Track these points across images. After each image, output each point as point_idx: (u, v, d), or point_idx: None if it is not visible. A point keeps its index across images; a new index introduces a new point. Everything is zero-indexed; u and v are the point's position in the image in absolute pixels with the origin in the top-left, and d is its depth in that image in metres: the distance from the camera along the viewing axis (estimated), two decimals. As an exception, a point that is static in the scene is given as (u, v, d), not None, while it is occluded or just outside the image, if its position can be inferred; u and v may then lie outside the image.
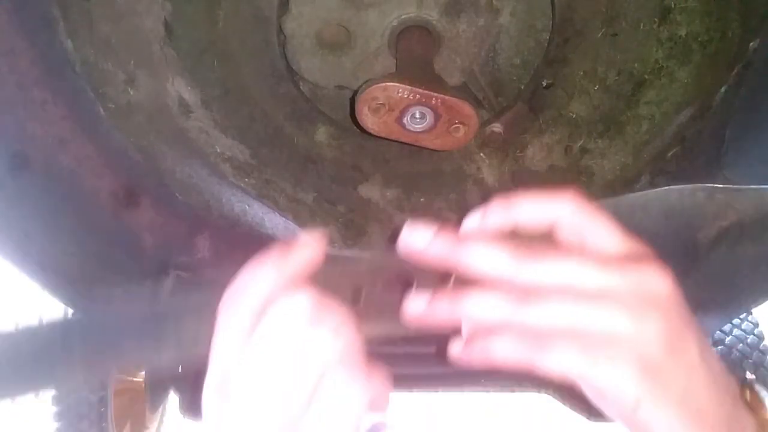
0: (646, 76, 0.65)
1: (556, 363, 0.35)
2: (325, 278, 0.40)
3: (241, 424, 0.37)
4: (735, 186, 0.47)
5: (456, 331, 0.40)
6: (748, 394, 0.40)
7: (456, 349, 0.40)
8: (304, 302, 0.37)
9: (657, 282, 0.37)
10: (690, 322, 0.37)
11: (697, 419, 0.36)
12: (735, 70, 0.63)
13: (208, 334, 0.40)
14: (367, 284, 0.41)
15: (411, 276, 0.41)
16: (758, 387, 0.40)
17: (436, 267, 0.39)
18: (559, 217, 0.39)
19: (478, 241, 0.38)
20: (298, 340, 0.37)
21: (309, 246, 0.40)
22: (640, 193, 0.43)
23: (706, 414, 0.37)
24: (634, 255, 0.38)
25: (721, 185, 0.47)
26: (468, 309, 0.38)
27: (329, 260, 0.41)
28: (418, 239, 0.40)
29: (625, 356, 0.35)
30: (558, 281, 0.36)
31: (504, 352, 0.37)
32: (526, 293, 0.36)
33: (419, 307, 0.40)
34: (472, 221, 0.41)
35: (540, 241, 0.39)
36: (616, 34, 0.63)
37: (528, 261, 0.37)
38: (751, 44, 0.61)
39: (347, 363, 0.37)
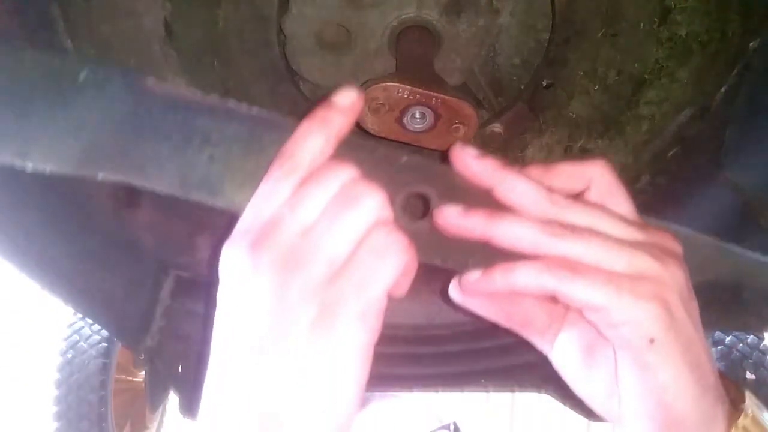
0: (646, 76, 0.65)
1: (581, 291, 0.36)
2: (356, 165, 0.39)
3: (274, 273, 0.35)
4: (720, 243, 0.48)
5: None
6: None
7: (474, 277, 0.40)
8: (351, 172, 0.38)
9: (673, 242, 0.40)
10: (692, 289, 0.40)
11: (697, 371, 0.38)
12: (735, 70, 0.63)
13: (244, 176, 0.39)
14: (391, 189, 0.40)
15: (428, 200, 0.41)
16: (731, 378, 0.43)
17: (471, 186, 0.41)
18: (590, 180, 0.41)
19: (522, 173, 0.40)
20: (346, 199, 0.37)
21: (351, 107, 0.40)
22: (646, 218, 0.43)
23: (704, 369, 0.39)
24: (647, 224, 0.41)
25: (710, 238, 0.47)
26: (502, 229, 0.38)
27: (360, 147, 0.41)
28: (470, 152, 0.41)
29: (649, 294, 0.36)
30: (588, 224, 0.38)
31: (527, 278, 0.38)
32: (559, 226, 0.38)
33: (453, 213, 0.40)
34: None
35: None
36: (616, 35, 0.63)
37: (563, 201, 0.39)
38: (751, 44, 0.61)
39: (389, 228, 0.37)
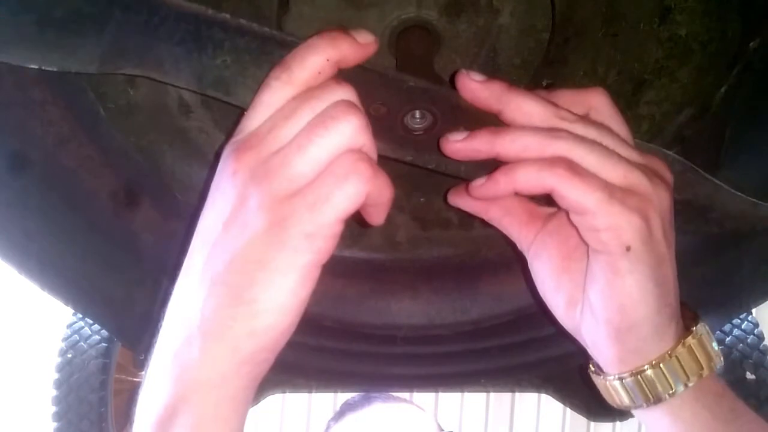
0: (647, 76, 0.65)
1: (575, 192, 0.39)
2: (357, 82, 0.40)
3: (243, 183, 0.38)
4: (705, 174, 0.51)
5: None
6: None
7: (480, 182, 0.43)
8: (345, 93, 0.39)
9: (665, 170, 0.43)
10: (673, 218, 0.43)
11: (661, 287, 0.41)
12: (735, 70, 0.63)
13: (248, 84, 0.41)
14: (396, 108, 0.43)
15: (434, 114, 0.44)
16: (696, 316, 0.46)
17: (476, 109, 0.42)
18: (593, 103, 0.44)
19: (527, 93, 0.42)
20: (324, 120, 0.37)
21: (364, 44, 0.41)
22: (637, 141, 0.46)
23: (668, 288, 0.42)
24: (644, 150, 0.44)
25: (695, 167, 0.51)
26: (508, 143, 0.41)
27: (368, 70, 0.42)
28: (474, 77, 0.42)
29: (635, 207, 0.39)
30: (594, 138, 0.41)
31: (528, 177, 0.40)
32: (564, 131, 0.40)
33: (458, 139, 0.42)
34: None
35: None
36: (616, 34, 0.63)
37: (571, 116, 0.41)
38: (751, 44, 0.61)
39: (357, 157, 0.38)
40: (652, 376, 0.42)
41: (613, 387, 0.45)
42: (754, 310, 1.49)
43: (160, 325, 0.41)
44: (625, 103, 0.67)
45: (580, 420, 2.12)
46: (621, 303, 0.41)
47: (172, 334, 0.40)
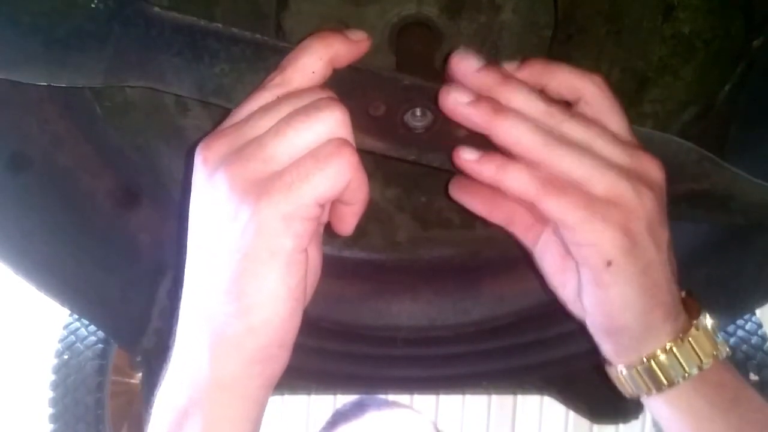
0: (650, 74, 0.64)
1: (558, 209, 0.39)
2: (353, 84, 0.42)
3: (211, 169, 0.37)
4: (722, 163, 0.51)
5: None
6: (684, 294, 0.46)
7: (473, 156, 0.42)
8: (332, 94, 0.39)
9: (656, 171, 0.42)
10: (666, 217, 0.42)
11: (650, 291, 0.41)
12: (739, 68, 0.63)
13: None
14: (394, 106, 0.44)
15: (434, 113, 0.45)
16: (695, 296, 0.47)
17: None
18: (585, 93, 0.42)
19: (523, 84, 0.41)
20: (307, 109, 0.37)
21: (357, 42, 0.42)
22: (647, 130, 0.47)
23: (658, 289, 0.42)
24: (639, 146, 0.43)
25: (713, 156, 0.50)
26: (505, 125, 0.40)
27: (363, 70, 0.43)
28: (471, 63, 0.42)
29: (616, 219, 0.39)
30: (581, 141, 0.40)
31: (515, 181, 0.40)
32: (558, 137, 0.40)
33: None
34: (509, 68, 0.44)
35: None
36: (620, 32, 0.63)
37: (559, 116, 0.40)
38: (755, 42, 0.61)
39: (343, 142, 0.37)
40: (649, 368, 0.44)
41: (616, 376, 0.46)
42: (758, 311, 1.49)
43: (175, 328, 0.41)
44: (629, 101, 0.67)
45: (583, 422, 2.12)
46: (606, 310, 0.42)
47: (182, 336, 0.40)
